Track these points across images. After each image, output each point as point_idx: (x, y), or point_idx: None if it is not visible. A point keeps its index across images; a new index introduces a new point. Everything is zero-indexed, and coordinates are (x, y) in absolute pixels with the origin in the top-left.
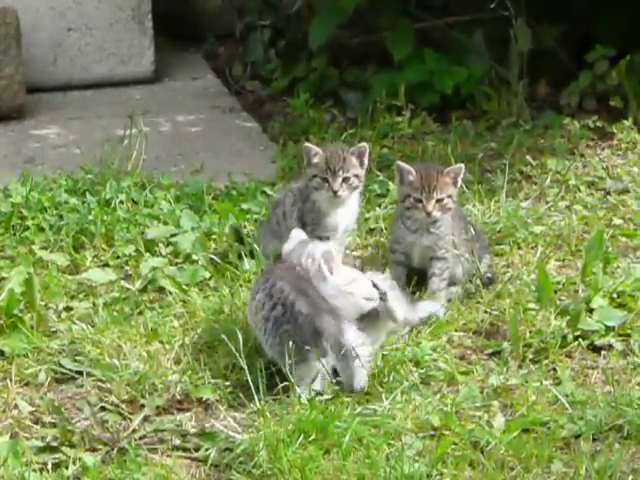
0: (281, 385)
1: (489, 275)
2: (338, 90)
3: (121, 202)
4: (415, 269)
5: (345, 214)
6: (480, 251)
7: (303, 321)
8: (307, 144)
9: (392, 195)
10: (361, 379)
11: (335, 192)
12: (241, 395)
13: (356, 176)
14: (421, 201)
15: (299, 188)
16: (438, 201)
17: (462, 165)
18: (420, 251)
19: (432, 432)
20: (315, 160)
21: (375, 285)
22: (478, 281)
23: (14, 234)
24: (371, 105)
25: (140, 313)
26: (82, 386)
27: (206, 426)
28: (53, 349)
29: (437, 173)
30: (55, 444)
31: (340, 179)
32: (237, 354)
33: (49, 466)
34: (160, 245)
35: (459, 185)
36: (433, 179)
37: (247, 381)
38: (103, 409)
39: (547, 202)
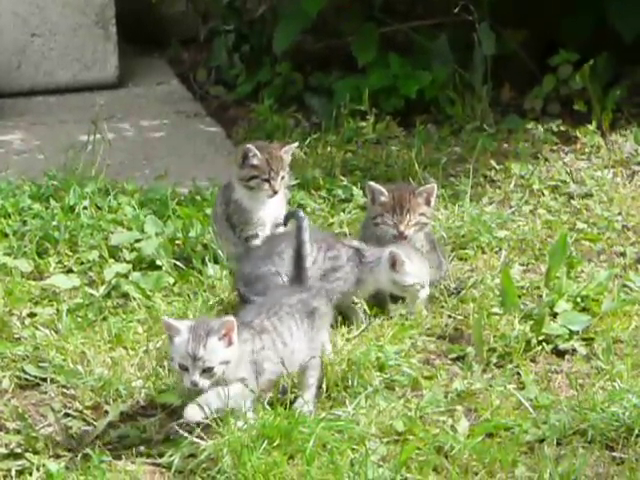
0: None
1: (455, 287)
2: (302, 95)
3: (85, 208)
4: None
5: (271, 207)
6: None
7: None
8: (249, 145)
9: (356, 200)
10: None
11: (276, 192)
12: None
13: (287, 173)
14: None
15: (223, 189)
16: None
17: (434, 185)
18: None
19: (396, 437)
20: (254, 162)
21: None
22: (442, 286)
23: None
24: (335, 110)
25: (104, 319)
26: (46, 392)
27: (170, 432)
28: (17, 355)
29: (409, 194)
30: (19, 451)
31: (279, 179)
32: None
33: (13, 473)
34: (124, 251)
35: (433, 204)
36: (406, 201)
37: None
38: (67, 415)
39: (511, 206)
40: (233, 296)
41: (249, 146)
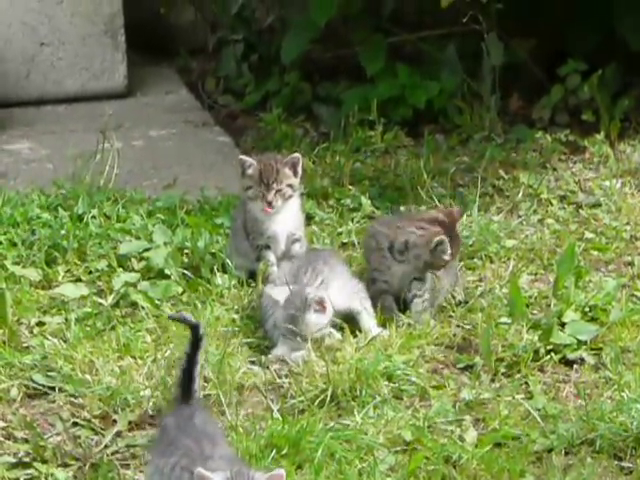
0: (253, 400)
1: (465, 299)
2: (310, 104)
3: (93, 217)
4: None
5: (283, 221)
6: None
7: None
8: (241, 156)
9: (364, 209)
10: None
11: (269, 203)
12: (213, 410)
13: (290, 186)
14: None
15: (242, 199)
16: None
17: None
18: (401, 277)
19: (404, 447)
20: (249, 172)
21: None
22: (453, 295)
23: None
24: (344, 119)
25: (112, 328)
26: (54, 401)
27: None
28: (25, 364)
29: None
30: (27, 460)
31: (273, 191)
32: (209, 369)
33: None
34: (132, 260)
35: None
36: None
37: (219, 396)
38: (75, 424)
39: (519, 216)
40: (241, 305)
41: (242, 157)
